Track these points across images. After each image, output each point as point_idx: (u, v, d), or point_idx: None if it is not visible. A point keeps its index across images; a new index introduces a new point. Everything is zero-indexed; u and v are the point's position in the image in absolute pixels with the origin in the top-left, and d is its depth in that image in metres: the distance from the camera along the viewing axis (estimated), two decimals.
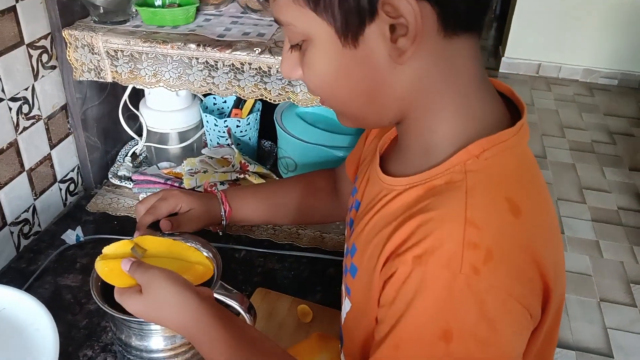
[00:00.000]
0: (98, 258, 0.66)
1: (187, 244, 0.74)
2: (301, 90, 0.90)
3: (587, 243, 2.37)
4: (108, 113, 1.14)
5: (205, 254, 0.73)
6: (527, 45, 3.71)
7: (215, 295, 0.69)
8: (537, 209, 0.51)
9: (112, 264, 0.64)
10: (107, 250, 0.67)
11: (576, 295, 2.09)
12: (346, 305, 0.62)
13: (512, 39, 3.72)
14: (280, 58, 0.87)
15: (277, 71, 0.89)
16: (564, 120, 3.32)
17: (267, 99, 0.93)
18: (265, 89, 0.91)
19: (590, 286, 2.15)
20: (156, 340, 0.70)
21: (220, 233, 0.84)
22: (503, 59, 3.82)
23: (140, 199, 1.08)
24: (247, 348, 0.60)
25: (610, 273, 2.23)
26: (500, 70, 3.84)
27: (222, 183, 1.03)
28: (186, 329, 0.60)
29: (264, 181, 1.05)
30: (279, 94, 0.92)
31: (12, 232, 0.98)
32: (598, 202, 2.62)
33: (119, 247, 0.67)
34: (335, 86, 0.53)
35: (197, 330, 0.59)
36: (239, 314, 0.84)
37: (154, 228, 0.74)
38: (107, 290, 0.66)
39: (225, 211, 0.81)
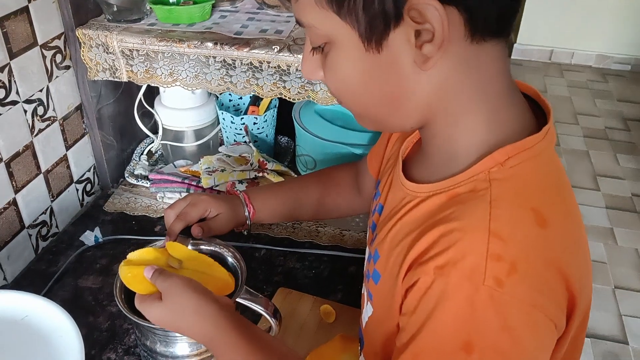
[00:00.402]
0: (122, 263, 0.66)
1: (216, 248, 0.74)
2: (321, 89, 0.89)
3: (602, 231, 2.36)
4: (123, 111, 1.13)
5: (230, 258, 0.73)
6: (540, 32, 3.66)
7: (241, 300, 0.69)
8: (563, 218, 0.50)
9: (135, 270, 0.64)
10: (131, 256, 0.67)
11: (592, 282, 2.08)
12: (368, 310, 0.62)
13: (524, 26, 3.67)
14: (299, 56, 0.86)
15: (297, 69, 0.88)
16: (577, 107, 3.29)
17: (286, 98, 0.91)
18: (285, 87, 0.90)
19: (605, 274, 2.14)
20: (181, 346, 0.70)
21: (245, 233, 0.84)
22: (515, 45, 3.78)
23: (158, 198, 1.08)
24: (265, 356, 0.60)
25: (625, 260, 2.22)
26: (512, 57, 3.80)
27: (240, 182, 1.02)
28: (205, 336, 0.60)
29: (283, 179, 1.03)
30: (299, 92, 0.90)
31: (30, 235, 0.98)
32: (612, 190, 2.60)
33: (143, 253, 0.67)
34: (358, 90, 0.52)
35: (216, 338, 0.59)
36: (260, 316, 0.84)
37: (184, 233, 0.74)
38: (131, 296, 0.66)
39: (249, 213, 0.81)
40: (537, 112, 0.55)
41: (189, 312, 0.59)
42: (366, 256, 0.69)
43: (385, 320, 0.57)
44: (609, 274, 2.15)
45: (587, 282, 0.52)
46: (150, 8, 0.97)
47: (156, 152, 1.19)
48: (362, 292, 0.68)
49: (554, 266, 0.46)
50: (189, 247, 0.73)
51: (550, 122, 0.52)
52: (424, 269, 0.47)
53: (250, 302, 0.69)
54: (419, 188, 0.55)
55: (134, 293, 0.64)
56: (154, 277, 0.62)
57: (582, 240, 0.53)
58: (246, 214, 0.80)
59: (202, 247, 0.75)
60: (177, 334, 0.68)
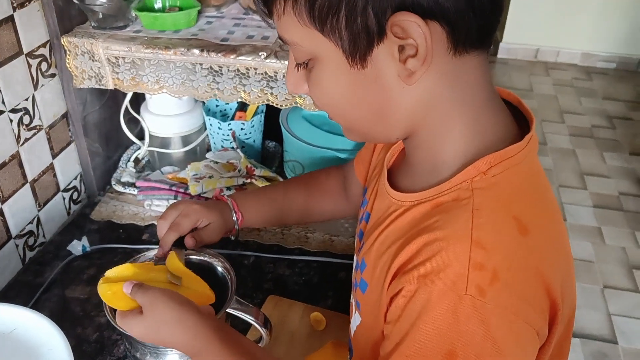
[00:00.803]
0: (101, 280, 0.65)
1: (205, 258, 0.74)
2: (308, 95, 0.89)
3: (589, 229, 2.38)
4: (109, 118, 1.12)
5: (220, 268, 0.73)
6: (525, 30, 3.69)
7: (231, 310, 0.68)
8: (545, 226, 0.51)
9: (115, 287, 0.63)
10: (109, 273, 0.67)
11: (579, 282, 2.10)
12: (356, 319, 0.62)
13: (510, 24, 3.69)
14: (286, 62, 0.86)
15: (284, 76, 0.87)
16: (563, 106, 3.32)
17: (274, 104, 0.91)
18: (272, 94, 0.90)
19: (593, 273, 2.16)
20: (171, 357, 0.69)
21: (233, 238, 0.84)
22: (501, 44, 3.80)
23: (146, 206, 1.07)
24: None
25: (612, 259, 2.24)
26: (498, 56, 3.82)
27: (228, 188, 1.02)
28: (188, 347, 0.59)
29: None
30: (286, 98, 0.90)
31: (17, 245, 0.97)
32: (599, 188, 2.62)
33: (121, 270, 0.67)
34: (343, 105, 0.53)
35: (199, 348, 0.59)
36: (251, 325, 0.83)
37: (177, 244, 0.73)
38: None
39: (237, 220, 0.81)
40: (519, 119, 0.55)
41: (171, 324, 0.59)
42: (354, 265, 0.69)
43: (373, 329, 0.57)
44: (596, 273, 2.17)
45: (570, 288, 0.52)
46: (136, 15, 0.96)
47: (143, 159, 1.19)
48: (351, 300, 0.68)
49: (535, 274, 0.47)
50: (194, 256, 0.73)
51: (532, 130, 0.53)
52: (407, 277, 0.48)
53: (240, 312, 0.69)
54: (404, 197, 0.56)
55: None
56: (133, 292, 0.61)
57: (564, 247, 0.53)
58: (234, 219, 0.80)
59: (192, 257, 0.75)
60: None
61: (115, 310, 0.67)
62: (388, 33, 0.46)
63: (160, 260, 0.72)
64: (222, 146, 1.13)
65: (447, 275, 0.45)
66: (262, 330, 0.69)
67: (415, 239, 0.49)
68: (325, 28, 0.47)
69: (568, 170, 2.75)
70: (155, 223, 1.04)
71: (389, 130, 0.54)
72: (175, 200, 1.06)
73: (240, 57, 0.88)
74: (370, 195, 0.66)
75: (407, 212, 0.54)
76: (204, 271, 0.73)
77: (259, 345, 0.72)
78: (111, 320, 0.66)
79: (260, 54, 0.88)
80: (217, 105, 1.18)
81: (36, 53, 0.93)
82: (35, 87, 0.95)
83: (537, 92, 3.45)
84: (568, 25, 3.63)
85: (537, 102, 3.34)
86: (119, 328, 0.65)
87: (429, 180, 0.53)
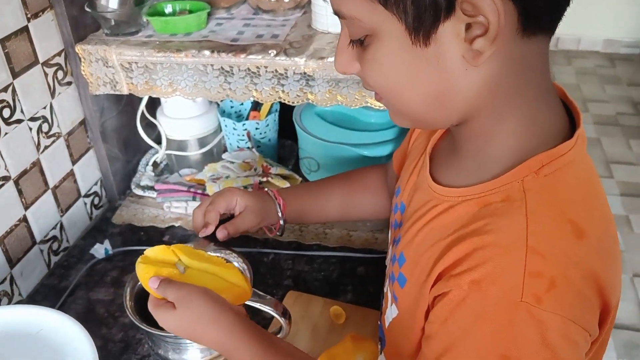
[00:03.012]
0: (139, 259, 0.65)
1: (221, 254, 0.73)
2: (319, 90, 0.89)
3: (617, 218, 2.33)
4: (126, 123, 1.14)
5: (237, 264, 0.73)
6: None
7: (250, 302, 0.69)
8: (599, 226, 0.49)
9: (152, 270, 0.63)
10: (149, 252, 0.66)
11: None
12: (392, 311, 0.61)
13: None
14: (296, 59, 0.86)
15: (294, 73, 0.88)
16: (586, 94, 3.25)
17: (285, 102, 0.92)
18: (283, 91, 0.90)
19: (623, 262, 2.12)
20: (192, 353, 0.70)
21: (279, 234, 0.81)
22: None
23: (165, 208, 1.09)
24: None
25: None
26: None
27: (245, 187, 1.02)
28: (221, 344, 0.60)
29: (287, 183, 1.04)
30: (297, 95, 0.90)
31: (42, 250, 0.99)
32: (626, 176, 2.57)
33: (159, 251, 0.66)
34: (400, 85, 0.50)
35: (232, 345, 0.59)
36: (270, 320, 0.84)
37: (210, 239, 0.73)
38: (142, 306, 0.67)
39: (280, 206, 0.79)
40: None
41: (205, 321, 0.59)
42: (389, 256, 0.68)
43: (410, 324, 0.57)
44: (626, 262, 2.12)
45: (618, 285, 0.51)
46: (147, 20, 0.98)
47: (161, 162, 1.20)
48: (385, 291, 0.67)
49: (591, 278, 0.46)
50: (211, 252, 0.72)
51: (581, 126, 0.51)
52: (457, 281, 0.47)
53: (259, 304, 0.69)
54: (447, 192, 0.54)
55: (145, 303, 0.64)
56: (161, 288, 0.61)
57: (615, 245, 0.52)
58: (277, 208, 0.78)
59: (209, 253, 0.75)
60: (187, 341, 0.69)
61: (136, 307, 0.68)
62: (457, 9, 0.43)
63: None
64: (237, 146, 1.14)
65: (503, 282, 0.45)
66: (282, 320, 0.70)
67: (464, 240, 0.48)
68: (388, 1, 0.45)
69: (593, 159, 2.60)
70: (175, 225, 1.07)
71: (444, 115, 0.51)
72: (193, 202, 1.07)
73: (251, 56, 0.89)
74: (405, 185, 0.64)
75: (452, 208, 0.52)
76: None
77: (279, 335, 0.72)
78: (131, 317, 0.67)
79: (270, 52, 0.88)
80: (231, 107, 1.19)
81: (52, 62, 0.96)
82: (53, 95, 0.97)
83: (558, 82, 3.28)
84: (589, 12, 3.55)
85: None
86: (139, 325, 0.66)
87: (475, 176, 0.51)
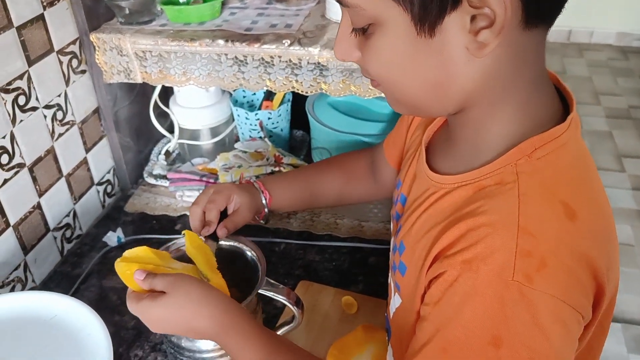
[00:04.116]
0: (118, 259, 0.63)
1: (235, 244, 0.74)
2: (333, 80, 0.89)
3: (628, 212, 2.31)
4: (139, 112, 1.15)
5: (249, 253, 0.73)
6: None
7: (263, 291, 0.69)
8: (591, 208, 0.50)
9: (134, 267, 0.62)
10: (127, 253, 0.64)
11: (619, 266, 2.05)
12: (396, 301, 0.62)
13: None
14: (310, 49, 0.86)
15: (308, 62, 0.88)
16: (598, 87, 3.23)
17: (299, 91, 0.91)
18: (297, 81, 0.90)
19: (633, 256, 2.11)
20: (206, 340, 0.71)
21: (263, 222, 0.83)
22: None
23: (177, 197, 1.09)
24: (284, 348, 0.60)
25: None
26: None
27: (257, 177, 1.03)
28: (214, 324, 0.58)
29: None
30: (311, 85, 0.90)
31: (55, 238, 1.00)
32: (637, 170, 2.55)
33: (140, 252, 0.65)
34: (401, 74, 0.50)
35: (227, 322, 0.58)
36: (281, 310, 0.84)
37: (212, 238, 0.73)
38: None
39: (266, 199, 0.80)
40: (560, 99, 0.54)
41: (197, 300, 0.58)
42: (391, 247, 0.68)
43: (411, 311, 0.57)
44: (636, 256, 2.11)
45: (614, 268, 0.51)
46: (161, 9, 0.98)
47: (173, 151, 1.21)
48: (389, 282, 0.68)
49: (583, 259, 0.46)
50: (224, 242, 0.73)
51: (574, 110, 0.51)
52: (450, 262, 0.47)
53: (272, 293, 0.70)
54: (443, 179, 0.54)
55: None
56: (148, 281, 0.59)
57: (610, 227, 0.52)
58: (263, 201, 0.80)
59: (222, 243, 0.76)
60: None
61: None
62: (463, 1, 0.43)
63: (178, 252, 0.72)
64: (250, 136, 1.14)
65: (494, 261, 0.45)
66: (294, 309, 0.70)
67: (458, 223, 0.48)
68: None
69: (605, 152, 2.68)
70: (188, 213, 1.07)
71: (442, 104, 0.52)
72: None
73: (264, 46, 0.89)
74: (405, 177, 0.65)
75: (448, 194, 0.53)
76: (234, 256, 0.75)
77: (292, 325, 0.73)
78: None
79: (284, 41, 0.88)
80: (244, 96, 1.19)
81: (67, 50, 0.96)
82: (67, 83, 0.97)
83: (570, 74, 3.36)
84: (601, 5, 3.52)
85: (571, 84, 3.25)
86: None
87: (470, 162, 0.52)
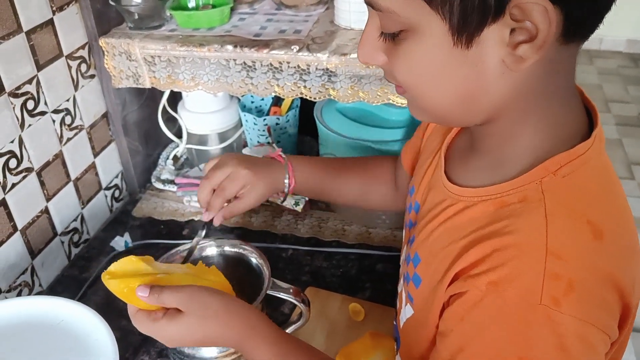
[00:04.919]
0: (107, 276, 0.59)
1: (240, 250, 0.73)
2: (341, 86, 0.88)
3: (638, 221, 2.28)
4: (148, 117, 1.15)
5: (254, 259, 0.73)
6: None
7: (270, 292, 0.69)
8: (617, 224, 0.49)
9: (131, 283, 0.58)
10: (113, 267, 0.60)
11: None
12: (407, 312, 0.61)
13: None
14: (319, 55, 0.86)
15: (317, 68, 0.88)
16: (608, 95, 3.21)
17: (307, 97, 0.91)
18: (305, 87, 0.90)
19: None
20: (210, 347, 0.70)
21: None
22: None
23: (185, 202, 1.09)
24: (301, 350, 0.60)
25: None
26: None
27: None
28: (237, 335, 0.58)
29: None
30: (319, 91, 0.90)
31: (62, 242, 1.00)
32: None
33: (126, 263, 0.61)
34: (431, 84, 0.49)
35: (249, 332, 0.58)
36: (291, 313, 0.84)
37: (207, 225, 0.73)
38: None
39: (289, 185, 0.79)
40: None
41: (218, 314, 0.57)
42: (403, 256, 0.67)
43: (424, 323, 0.56)
44: None
45: (639, 285, 0.50)
46: (171, 14, 0.98)
47: (181, 156, 1.21)
48: (400, 291, 0.67)
49: (610, 279, 0.45)
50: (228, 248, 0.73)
51: (598, 124, 0.50)
52: (474, 282, 0.46)
53: (279, 293, 0.70)
54: (462, 192, 0.53)
55: None
56: (154, 296, 0.56)
57: (634, 241, 0.51)
58: (286, 183, 0.79)
59: (226, 249, 0.75)
60: None
61: None
62: (506, 13, 0.42)
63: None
64: (258, 141, 1.14)
65: (521, 284, 0.44)
66: (302, 307, 0.70)
67: (482, 242, 0.47)
68: (434, 0, 0.43)
69: (615, 160, 2.66)
70: (195, 219, 1.07)
71: (469, 116, 0.50)
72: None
73: (273, 52, 0.88)
74: (420, 184, 0.64)
75: (467, 209, 0.52)
76: (239, 263, 0.74)
77: (299, 323, 0.73)
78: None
79: (292, 47, 0.88)
80: (252, 102, 1.19)
81: (76, 55, 0.96)
82: (76, 88, 0.98)
83: (580, 82, 3.23)
84: (611, 12, 3.47)
85: None
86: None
87: (492, 176, 0.51)
